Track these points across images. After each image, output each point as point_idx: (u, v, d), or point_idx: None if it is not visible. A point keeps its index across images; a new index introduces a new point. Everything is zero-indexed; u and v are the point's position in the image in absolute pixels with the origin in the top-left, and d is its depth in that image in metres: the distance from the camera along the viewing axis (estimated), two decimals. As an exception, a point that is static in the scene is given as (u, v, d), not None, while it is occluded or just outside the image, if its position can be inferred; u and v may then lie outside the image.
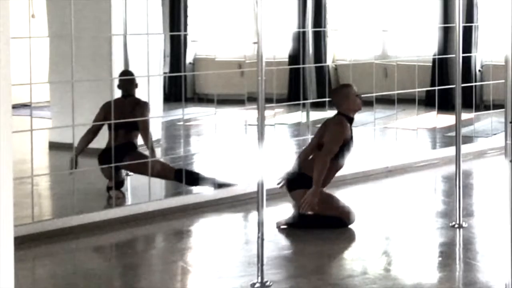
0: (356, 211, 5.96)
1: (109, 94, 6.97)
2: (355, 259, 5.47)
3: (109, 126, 6.69)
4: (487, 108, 10.36)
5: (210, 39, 13.86)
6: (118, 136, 6.66)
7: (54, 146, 8.65)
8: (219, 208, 6.57)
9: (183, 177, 6.70)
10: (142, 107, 6.87)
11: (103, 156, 6.75)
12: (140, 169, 6.74)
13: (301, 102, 9.79)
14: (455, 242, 5.70)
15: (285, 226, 5.89)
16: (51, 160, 8.61)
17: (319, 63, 12.91)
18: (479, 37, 12.47)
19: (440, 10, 12.63)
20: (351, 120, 6.00)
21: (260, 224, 4.71)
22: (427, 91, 10.67)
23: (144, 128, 6.83)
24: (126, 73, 7.32)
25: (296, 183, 6.00)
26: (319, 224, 5.92)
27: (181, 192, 6.95)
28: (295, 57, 12.85)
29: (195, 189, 6.96)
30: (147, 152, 6.77)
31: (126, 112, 6.72)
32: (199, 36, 14.05)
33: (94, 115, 7.37)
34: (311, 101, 10.17)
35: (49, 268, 5.31)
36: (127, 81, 7.03)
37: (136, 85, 7.01)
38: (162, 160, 7.33)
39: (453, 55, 6.26)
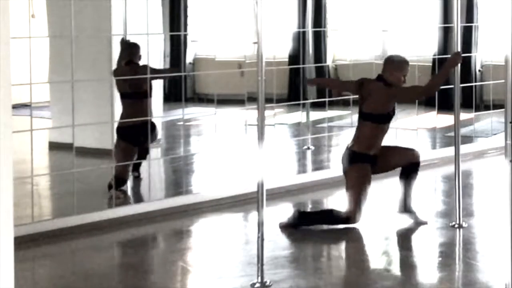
0: (363, 215, 5.94)
1: (109, 94, 6.97)
2: (355, 259, 5.47)
3: (122, 95, 6.89)
4: (487, 108, 10.36)
5: (210, 39, 13.85)
6: (134, 107, 6.76)
7: (54, 146, 8.65)
8: (219, 208, 6.57)
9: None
10: (143, 68, 6.87)
11: (125, 131, 6.83)
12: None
13: (301, 102, 9.80)
14: (455, 242, 5.70)
15: (287, 226, 5.91)
16: (51, 160, 8.61)
17: (319, 63, 12.90)
18: (479, 37, 12.47)
19: (440, 10, 12.63)
20: (387, 85, 6.02)
21: (260, 224, 4.71)
22: (427, 91, 10.65)
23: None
24: (132, 43, 7.37)
25: (348, 160, 5.99)
26: (320, 221, 5.94)
27: (181, 192, 6.95)
28: (295, 57, 12.84)
29: (194, 188, 6.97)
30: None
31: (131, 79, 6.78)
32: (199, 36, 14.05)
33: (93, 115, 7.39)
34: (311, 101, 10.18)
35: (49, 268, 5.32)
36: (133, 50, 7.09)
37: (139, 57, 7.07)
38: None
39: (453, 55, 6.26)
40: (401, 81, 6.01)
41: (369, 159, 5.96)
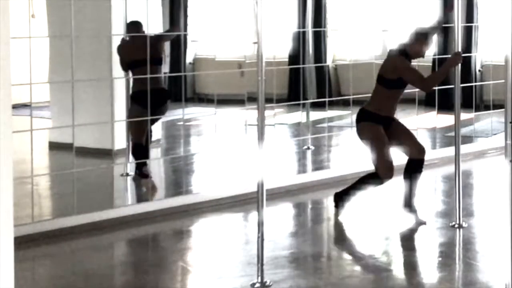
0: (395, 174, 6.09)
1: (109, 94, 6.98)
2: (355, 259, 5.47)
3: (132, 65, 7.06)
4: (487, 108, 10.36)
5: (210, 39, 13.86)
6: (147, 73, 6.82)
7: (54, 146, 8.66)
8: (219, 208, 6.57)
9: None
10: (151, 38, 7.01)
11: (138, 95, 6.91)
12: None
13: (301, 102, 9.80)
14: (455, 242, 5.70)
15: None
16: (51, 160, 8.61)
17: (319, 63, 12.90)
18: (479, 37, 12.47)
19: (440, 10, 12.62)
20: (405, 55, 6.10)
21: (260, 224, 4.71)
22: (427, 91, 10.66)
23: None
24: (134, 21, 7.46)
25: (360, 117, 6.14)
26: (360, 189, 6.20)
27: (181, 192, 6.96)
28: (295, 57, 12.84)
29: (194, 188, 6.97)
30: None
31: (144, 48, 6.82)
32: (199, 36, 14.05)
33: (93, 115, 7.38)
34: (311, 101, 10.19)
35: (49, 268, 5.32)
36: (134, 26, 7.22)
37: (143, 32, 7.20)
38: None
39: (453, 55, 6.26)
40: (419, 54, 6.12)
41: (381, 120, 6.08)
